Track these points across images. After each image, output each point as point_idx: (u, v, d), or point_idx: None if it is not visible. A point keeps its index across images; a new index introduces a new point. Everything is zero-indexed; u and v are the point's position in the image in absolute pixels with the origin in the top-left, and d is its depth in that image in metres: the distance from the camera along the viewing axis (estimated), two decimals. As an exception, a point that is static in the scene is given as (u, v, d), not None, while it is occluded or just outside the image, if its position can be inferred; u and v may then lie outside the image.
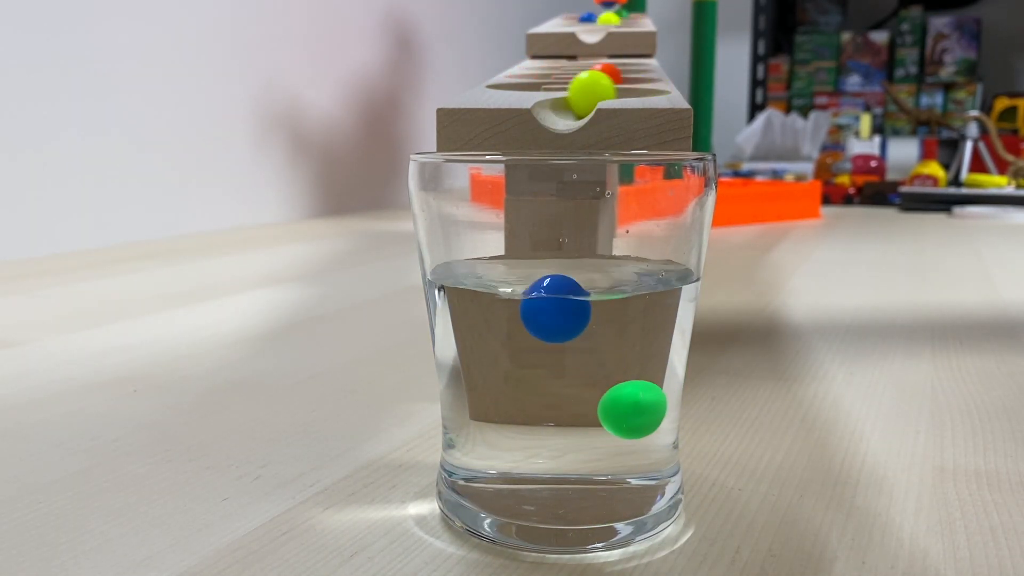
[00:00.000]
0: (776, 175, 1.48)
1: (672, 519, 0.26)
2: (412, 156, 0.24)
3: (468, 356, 0.24)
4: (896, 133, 2.17)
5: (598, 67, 0.33)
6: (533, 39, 0.50)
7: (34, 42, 0.83)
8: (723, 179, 1.35)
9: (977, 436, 0.34)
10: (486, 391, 0.25)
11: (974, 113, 1.50)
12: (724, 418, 0.36)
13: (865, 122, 1.68)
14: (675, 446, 0.26)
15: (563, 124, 0.28)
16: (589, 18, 0.45)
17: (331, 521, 0.26)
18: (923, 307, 0.59)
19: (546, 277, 0.23)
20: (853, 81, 2.25)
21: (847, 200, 1.42)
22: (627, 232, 0.24)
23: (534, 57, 0.50)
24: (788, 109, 2.26)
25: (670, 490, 0.26)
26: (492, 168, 0.24)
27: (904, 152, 1.75)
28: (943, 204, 1.30)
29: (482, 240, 0.24)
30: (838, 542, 0.25)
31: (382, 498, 0.28)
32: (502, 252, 0.25)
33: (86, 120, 0.88)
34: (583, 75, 0.30)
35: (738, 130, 1.93)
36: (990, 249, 0.88)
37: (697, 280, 0.25)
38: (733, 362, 0.45)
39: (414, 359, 0.45)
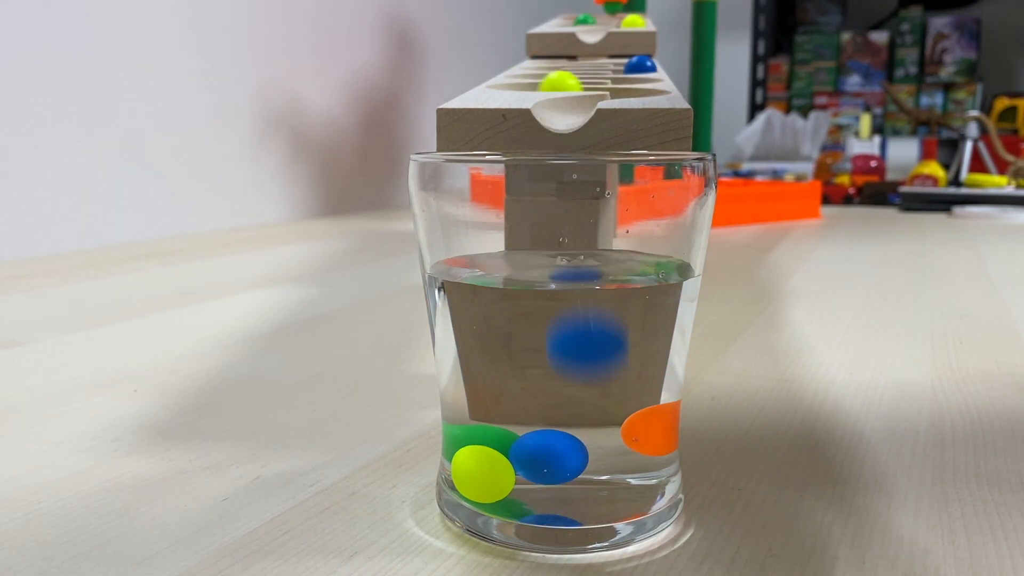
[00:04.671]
0: (776, 175, 1.48)
1: (672, 519, 0.26)
2: (412, 156, 0.24)
3: (468, 356, 0.24)
4: (896, 133, 2.18)
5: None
6: (533, 39, 0.50)
7: (34, 42, 0.83)
8: (723, 179, 1.35)
9: (977, 436, 0.34)
10: (486, 391, 0.25)
11: (974, 113, 1.50)
12: (724, 418, 0.36)
13: (865, 122, 1.68)
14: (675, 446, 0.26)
15: (563, 124, 0.28)
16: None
17: (331, 521, 0.26)
18: (923, 307, 0.59)
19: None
20: (853, 81, 2.25)
21: (847, 200, 1.42)
22: (627, 232, 0.24)
23: (534, 57, 0.50)
24: (788, 109, 2.26)
25: (670, 490, 0.26)
26: (492, 168, 0.24)
27: (904, 152, 1.75)
28: (943, 204, 1.30)
29: (482, 240, 0.24)
30: (838, 542, 0.25)
31: (382, 498, 0.28)
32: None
33: (86, 120, 0.88)
34: (552, 75, 0.31)
35: (738, 130, 1.93)
36: (990, 249, 0.88)
37: (697, 279, 0.25)
38: (733, 362, 0.45)
39: (414, 359, 0.45)
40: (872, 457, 0.32)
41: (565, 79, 0.31)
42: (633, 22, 0.48)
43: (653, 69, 0.38)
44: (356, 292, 0.65)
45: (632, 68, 0.38)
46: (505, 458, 0.24)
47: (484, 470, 0.24)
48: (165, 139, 0.98)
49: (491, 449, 0.24)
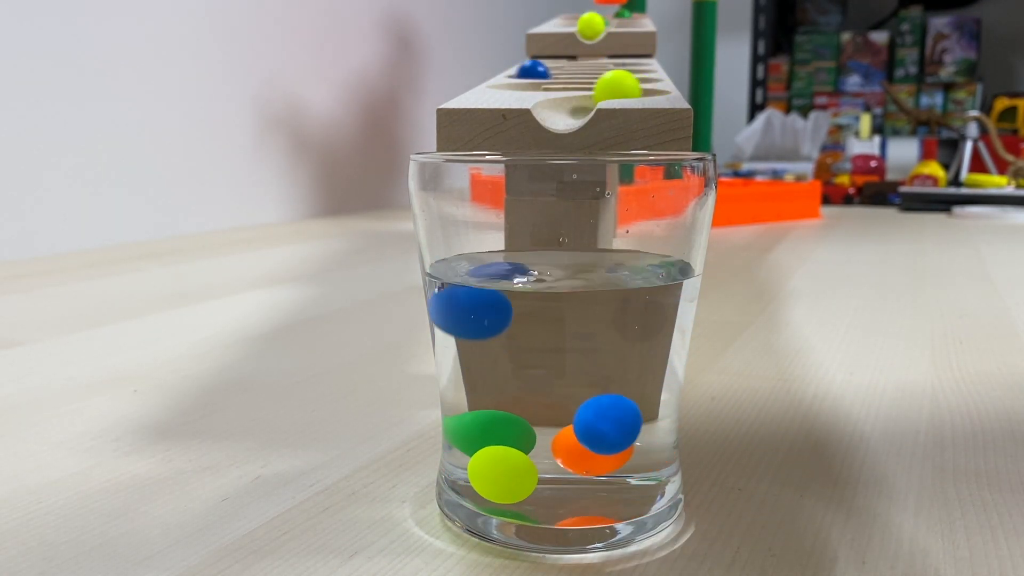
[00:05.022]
0: (776, 175, 1.48)
1: (672, 519, 0.26)
2: (412, 156, 0.24)
3: (468, 356, 0.24)
4: (896, 133, 2.17)
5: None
6: (533, 39, 0.50)
7: (34, 41, 0.83)
8: (723, 179, 1.35)
9: (977, 436, 0.34)
10: (486, 391, 0.25)
11: (974, 113, 1.50)
12: (724, 418, 0.36)
13: (865, 122, 1.68)
14: (675, 446, 0.26)
15: (563, 124, 0.28)
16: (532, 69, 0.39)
17: (331, 521, 0.26)
18: (923, 307, 0.59)
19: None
20: (853, 81, 2.25)
21: (847, 200, 1.42)
22: (627, 232, 0.24)
23: (534, 57, 0.50)
24: (788, 109, 2.26)
25: (670, 490, 0.26)
26: (492, 168, 0.24)
27: (904, 152, 1.75)
28: (943, 204, 1.30)
29: (482, 240, 0.24)
30: (838, 542, 0.25)
31: (382, 498, 0.28)
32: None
33: (86, 120, 0.88)
34: (607, 75, 0.30)
35: (738, 130, 1.93)
36: (990, 249, 0.88)
37: (697, 279, 0.25)
38: (733, 362, 0.45)
39: (414, 359, 0.45)
40: (872, 457, 0.32)
41: (624, 79, 0.30)
42: (590, 20, 0.49)
43: (545, 75, 0.37)
44: (356, 292, 0.65)
45: (524, 72, 0.37)
46: (528, 459, 0.23)
47: (507, 472, 0.23)
48: (165, 139, 0.98)
49: (514, 450, 0.23)
